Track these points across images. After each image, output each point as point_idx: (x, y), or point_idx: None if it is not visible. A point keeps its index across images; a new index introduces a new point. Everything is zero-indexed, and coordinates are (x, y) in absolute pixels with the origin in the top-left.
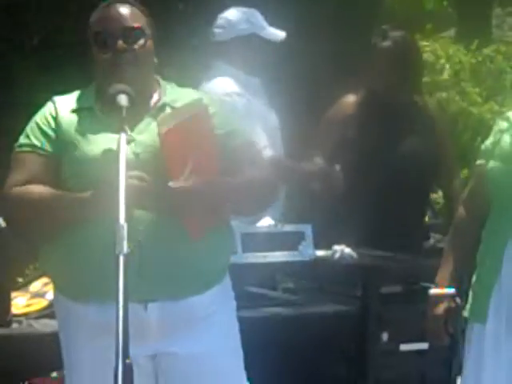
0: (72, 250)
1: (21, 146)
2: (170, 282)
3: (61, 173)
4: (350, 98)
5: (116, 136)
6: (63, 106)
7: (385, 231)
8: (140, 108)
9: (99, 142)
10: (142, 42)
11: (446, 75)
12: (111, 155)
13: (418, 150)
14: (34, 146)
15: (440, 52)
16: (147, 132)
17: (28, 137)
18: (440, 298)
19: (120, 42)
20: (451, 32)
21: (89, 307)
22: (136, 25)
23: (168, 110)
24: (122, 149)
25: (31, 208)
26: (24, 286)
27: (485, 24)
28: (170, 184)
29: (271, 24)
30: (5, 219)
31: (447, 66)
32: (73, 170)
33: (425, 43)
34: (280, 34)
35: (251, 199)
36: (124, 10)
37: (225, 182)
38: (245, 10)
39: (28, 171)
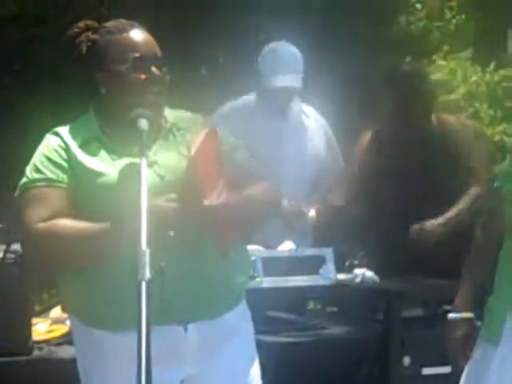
0: (96, 278)
1: (35, 181)
2: (207, 299)
3: (79, 204)
4: (368, 135)
5: (131, 160)
6: (69, 138)
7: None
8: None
9: (116, 170)
10: (166, 70)
11: (459, 95)
12: (133, 180)
13: (435, 178)
14: (50, 179)
15: (457, 72)
16: (166, 154)
17: (40, 171)
18: (458, 322)
19: (154, 69)
20: (469, 53)
21: (113, 335)
22: (160, 53)
23: (175, 131)
24: (143, 173)
25: (63, 242)
26: (44, 312)
27: (501, 45)
28: (207, 202)
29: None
30: (27, 255)
31: (461, 86)
32: (93, 200)
33: (441, 63)
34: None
35: (258, 214)
36: (149, 36)
37: (244, 197)
38: (281, 43)
39: (49, 206)
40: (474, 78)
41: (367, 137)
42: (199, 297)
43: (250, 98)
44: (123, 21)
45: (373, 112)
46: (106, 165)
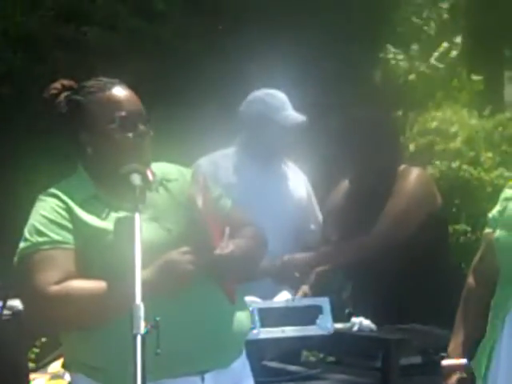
0: (102, 334)
1: (39, 244)
2: (221, 348)
3: (87, 263)
4: (342, 184)
5: (127, 215)
6: (67, 198)
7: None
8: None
9: (116, 227)
10: (149, 125)
11: (458, 142)
12: (132, 236)
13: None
14: (56, 241)
15: (453, 118)
16: (166, 207)
17: (44, 234)
18: (452, 369)
19: (141, 126)
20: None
21: None
22: (143, 108)
23: (165, 183)
24: (137, 228)
25: (78, 304)
26: (43, 368)
27: (497, 90)
28: (218, 252)
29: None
30: (36, 318)
31: (460, 133)
32: (101, 258)
33: (436, 113)
34: (298, 119)
35: (252, 260)
36: (131, 93)
37: (244, 243)
38: (268, 91)
39: (59, 268)
40: (474, 122)
41: (343, 185)
42: (214, 346)
43: (228, 151)
44: (103, 79)
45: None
46: (109, 222)
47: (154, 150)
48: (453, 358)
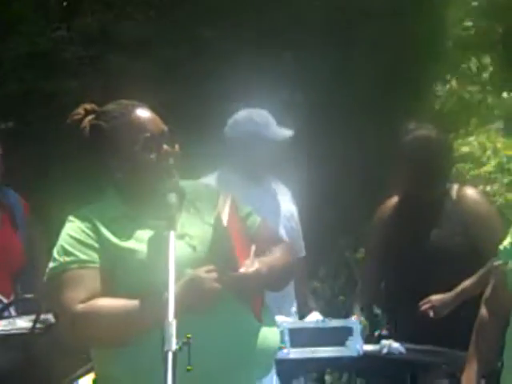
0: (133, 351)
1: (67, 264)
2: (249, 365)
3: (115, 282)
4: (392, 201)
5: (159, 234)
6: (95, 218)
7: (425, 325)
8: None
9: (147, 245)
10: (177, 145)
11: (490, 167)
12: (163, 253)
13: (444, 245)
14: (83, 261)
15: (487, 144)
16: (193, 225)
17: (71, 254)
18: None
19: (165, 146)
20: (500, 124)
21: None
22: (167, 129)
23: (196, 202)
24: (171, 246)
25: (104, 323)
26: (72, 382)
27: None
28: (243, 270)
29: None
30: (66, 336)
31: (492, 159)
32: (129, 277)
33: (470, 138)
34: (285, 133)
35: (283, 277)
36: (153, 113)
37: (270, 261)
38: (253, 110)
39: (86, 287)
40: (505, 150)
41: (389, 204)
42: (241, 362)
43: (217, 174)
44: (123, 101)
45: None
46: (136, 241)
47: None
48: None
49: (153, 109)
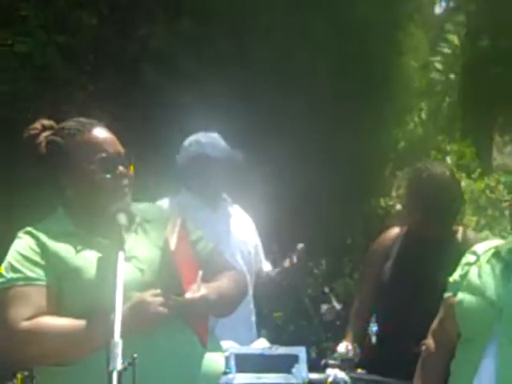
0: (76, 371)
1: (12, 280)
2: None
3: (60, 300)
4: (394, 231)
5: (107, 254)
6: (44, 236)
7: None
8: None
9: (95, 264)
10: (131, 167)
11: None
12: (110, 274)
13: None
14: (29, 278)
15: None
16: (142, 247)
17: (18, 270)
18: None
19: (121, 168)
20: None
21: None
22: (123, 150)
23: (145, 225)
24: (120, 267)
25: (47, 341)
26: None
27: (486, 152)
28: (189, 295)
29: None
30: (7, 353)
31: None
32: (74, 295)
33: None
34: (234, 153)
35: (229, 303)
36: (110, 134)
37: (218, 287)
38: (200, 133)
39: (31, 304)
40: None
41: (391, 236)
42: None
43: (172, 197)
44: (82, 119)
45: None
46: (84, 260)
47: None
48: None
49: (110, 129)
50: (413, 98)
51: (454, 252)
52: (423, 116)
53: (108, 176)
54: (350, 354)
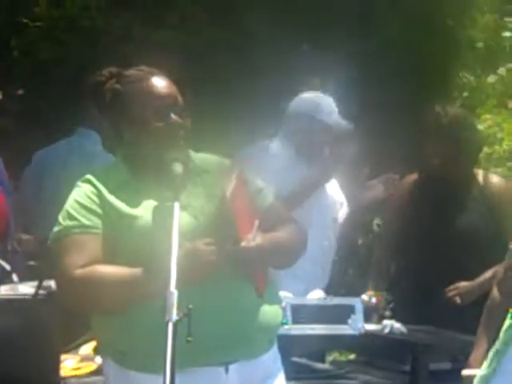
0: (131, 320)
1: (69, 228)
2: (247, 340)
3: (115, 249)
4: (411, 177)
5: (164, 203)
6: (101, 184)
7: (441, 308)
8: None
9: (149, 213)
10: (189, 118)
11: (502, 149)
12: (166, 223)
13: (470, 226)
14: (85, 226)
15: (503, 125)
16: (198, 197)
17: (75, 218)
18: (473, 379)
19: (174, 116)
20: None
21: (148, 376)
22: (182, 101)
23: (203, 174)
24: (176, 217)
25: (101, 289)
26: (74, 349)
27: None
28: (244, 244)
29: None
30: (64, 300)
31: (506, 140)
32: (129, 244)
33: (487, 116)
34: (340, 123)
35: (288, 255)
36: (169, 83)
37: (275, 238)
38: (319, 95)
39: (86, 252)
40: None
41: (409, 181)
42: (240, 337)
43: (273, 143)
44: (143, 68)
45: (417, 156)
46: (139, 208)
47: (197, 139)
48: (474, 367)
49: (173, 80)
50: None
51: (476, 195)
52: None
53: (161, 124)
54: (373, 301)
